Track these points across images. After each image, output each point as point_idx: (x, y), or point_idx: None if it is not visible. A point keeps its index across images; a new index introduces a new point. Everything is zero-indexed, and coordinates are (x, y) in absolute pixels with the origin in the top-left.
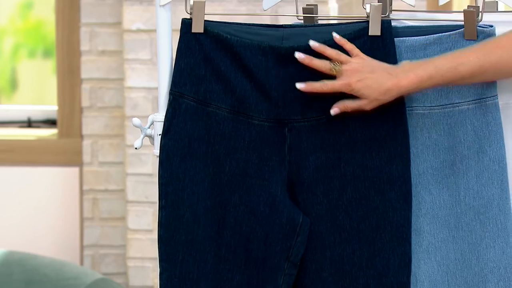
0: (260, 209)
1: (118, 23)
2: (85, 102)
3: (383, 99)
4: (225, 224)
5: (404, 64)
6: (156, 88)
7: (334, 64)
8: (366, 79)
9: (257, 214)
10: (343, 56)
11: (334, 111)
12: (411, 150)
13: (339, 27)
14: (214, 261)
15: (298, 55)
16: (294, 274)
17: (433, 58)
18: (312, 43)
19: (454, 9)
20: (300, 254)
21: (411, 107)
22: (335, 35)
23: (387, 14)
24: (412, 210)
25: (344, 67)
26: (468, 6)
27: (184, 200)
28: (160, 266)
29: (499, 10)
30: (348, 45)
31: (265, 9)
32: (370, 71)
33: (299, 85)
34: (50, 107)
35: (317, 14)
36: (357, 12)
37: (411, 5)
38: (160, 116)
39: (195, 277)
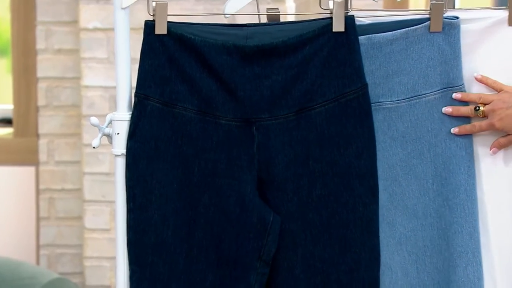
0: (231, 209)
1: (75, 22)
2: (41, 101)
3: None
4: (196, 225)
5: None
6: (113, 87)
7: (476, 108)
8: (505, 117)
9: (228, 214)
10: (486, 97)
11: (493, 151)
12: (379, 145)
13: (303, 25)
14: (185, 262)
15: (446, 109)
16: (267, 273)
17: None
18: (455, 95)
19: (410, 7)
20: (271, 253)
21: (379, 102)
22: (476, 75)
23: (349, 10)
24: (384, 204)
25: (486, 107)
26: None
27: (152, 202)
28: (130, 269)
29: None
30: (490, 81)
31: (227, 17)
32: (507, 107)
33: (453, 130)
34: (5, 106)
35: (279, 16)
36: (315, 11)
37: (375, 1)
38: (118, 115)
39: (165, 279)
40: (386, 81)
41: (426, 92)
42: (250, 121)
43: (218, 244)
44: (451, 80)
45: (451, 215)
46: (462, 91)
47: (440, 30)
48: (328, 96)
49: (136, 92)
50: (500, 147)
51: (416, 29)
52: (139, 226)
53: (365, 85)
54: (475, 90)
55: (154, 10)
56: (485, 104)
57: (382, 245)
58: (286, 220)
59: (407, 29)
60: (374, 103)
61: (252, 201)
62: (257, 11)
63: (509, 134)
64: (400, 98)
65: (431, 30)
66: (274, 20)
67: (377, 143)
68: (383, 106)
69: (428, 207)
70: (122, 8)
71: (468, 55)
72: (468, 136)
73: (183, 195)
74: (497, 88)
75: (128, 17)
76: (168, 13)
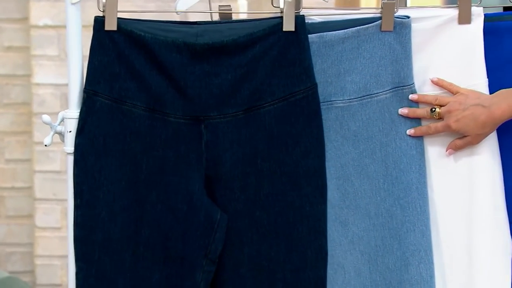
0: (178, 206)
1: (25, 19)
2: None
3: (484, 132)
4: (143, 223)
5: (499, 94)
6: (65, 85)
7: (432, 110)
8: (462, 119)
9: (175, 211)
10: (442, 99)
11: (449, 152)
12: (332, 144)
13: (253, 23)
14: (131, 260)
15: (402, 111)
16: (213, 270)
17: None
18: (411, 96)
19: (361, 6)
20: (218, 251)
21: (330, 101)
22: (433, 78)
23: (300, 10)
24: (337, 203)
25: (442, 109)
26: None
27: (100, 199)
28: (76, 266)
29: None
30: (445, 84)
31: (178, 13)
32: (463, 109)
33: (409, 131)
34: None
35: (231, 14)
36: (267, 9)
37: (325, 1)
38: (70, 113)
39: (112, 276)
40: (338, 79)
41: (378, 92)
42: (199, 119)
43: (165, 241)
44: (401, 80)
45: (402, 214)
46: (412, 90)
47: (391, 29)
48: (277, 95)
49: (85, 88)
50: (456, 148)
51: (367, 28)
52: (87, 223)
53: (314, 85)
54: (426, 89)
55: (104, 6)
56: (441, 106)
57: (335, 244)
58: (233, 219)
59: (358, 27)
60: (326, 101)
61: (200, 199)
62: (209, 9)
63: (465, 136)
64: (352, 97)
65: (382, 29)
66: (226, 18)
67: (329, 142)
68: (335, 105)
69: (380, 207)
70: (72, 4)
71: (419, 53)
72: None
73: (131, 192)
74: (453, 91)
75: (79, 13)
76: (120, 9)
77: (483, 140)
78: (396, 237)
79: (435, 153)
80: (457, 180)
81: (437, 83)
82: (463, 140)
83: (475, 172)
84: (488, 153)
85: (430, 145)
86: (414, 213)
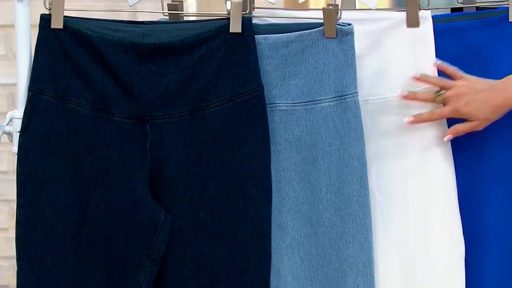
0: (121, 206)
1: None
2: None
3: (494, 117)
4: (86, 222)
5: (509, 78)
6: (12, 85)
7: (437, 93)
8: (473, 102)
9: (118, 211)
10: (446, 82)
11: (447, 138)
12: (275, 147)
13: (200, 24)
14: (73, 259)
15: (401, 93)
16: (155, 271)
17: None
18: (413, 75)
19: (311, 8)
20: (161, 251)
21: (274, 103)
22: (436, 61)
23: (248, 11)
24: (276, 206)
25: (448, 92)
26: (327, 4)
27: (43, 197)
28: (18, 264)
29: (356, 8)
30: (450, 69)
31: (131, 5)
32: (474, 92)
33: (407, 119)
34: None
35: (182, 11)
36: (217, 9)
37: (271, 3)
38: (18, 112)
39: (53, 275)
40: (282, 82)
41: (321, 99)
42: (144, 119)
43: (108, 241)
44: (344, 88)
45: (342, 225)
46: (355, 100)
47: (334, 36)
48: (222, 96)
49: (29, 86)
50: (457, 134)
51: (310, 33)
52: (29, 222)
53: (260, 87)
54: (378, 92)
55: (50, 4)
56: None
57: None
58: (177, 219)
59: (302, 32)
60: (270, 104)
61: (144, 199)
62: (160, 8)
63: (467, 121)
64: (296, 102)
65: (326, 36)
66: (173, 18)
67: (272, 145)
68: (279, 107)
69: (322, 216)
70: (19, 1)
71: (370, 57)
72: (362, 146)
73: (74, 191)
74: (457, 76)
75: (28, 11)
76: (67, 8)
77: (435, 141)
78: (335, 248)
79: (389, 156)
80: (412, 182)
81: (440, 66)
82: (466, 125)
83: (429, 174)
84: (441, 154)
85: (381, 146)
86: (354, 225)
